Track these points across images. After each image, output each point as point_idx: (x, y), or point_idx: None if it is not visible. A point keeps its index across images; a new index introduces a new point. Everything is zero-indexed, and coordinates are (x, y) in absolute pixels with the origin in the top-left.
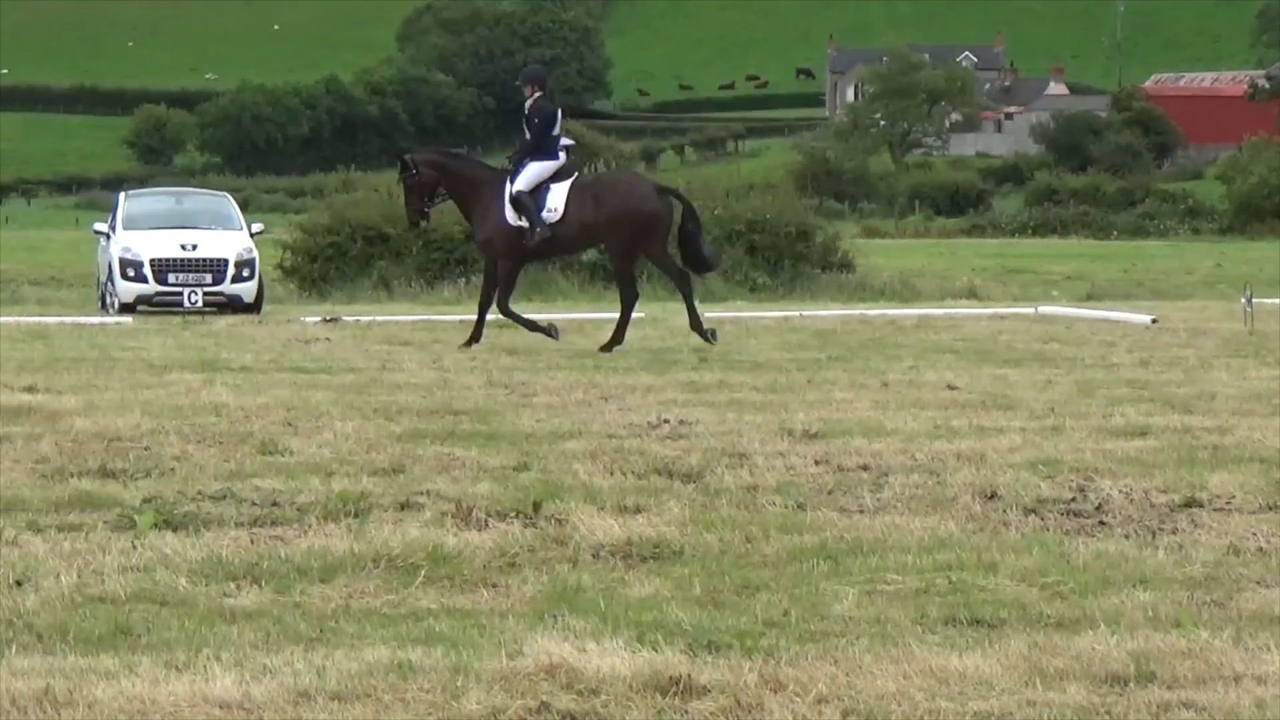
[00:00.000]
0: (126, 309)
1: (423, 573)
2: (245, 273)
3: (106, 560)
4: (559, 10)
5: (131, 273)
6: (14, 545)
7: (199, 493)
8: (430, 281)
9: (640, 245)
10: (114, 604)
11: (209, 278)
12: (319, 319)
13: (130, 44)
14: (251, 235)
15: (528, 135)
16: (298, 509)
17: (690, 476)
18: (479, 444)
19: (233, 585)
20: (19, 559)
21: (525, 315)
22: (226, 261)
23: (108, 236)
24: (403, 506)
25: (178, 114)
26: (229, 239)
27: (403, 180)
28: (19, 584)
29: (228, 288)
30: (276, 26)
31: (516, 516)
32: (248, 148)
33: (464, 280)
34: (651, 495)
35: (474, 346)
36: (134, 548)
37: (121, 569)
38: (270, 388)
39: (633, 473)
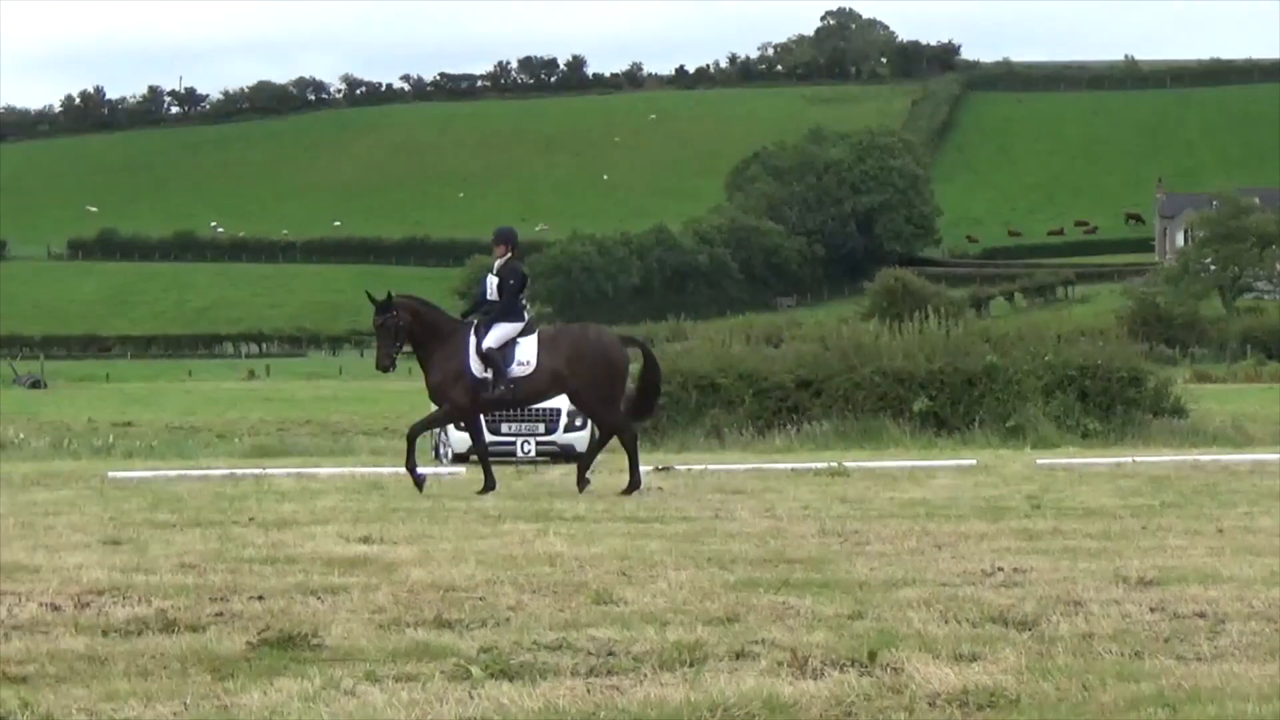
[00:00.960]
0: (460, 459)
1: None
2: (578, 422)
3: (444, 710)
4: (887, 157)
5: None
6: (352, 695)
7: (534, 642)
8: (762, 430)
9: (603, 392)
10: None
11: (542, 427)
12: (652, 468)
13: (461, 195)
14: None
15: (498, 296)
16: (633, 658)
17: (1025, 624)
18: (813, 592)
19: None
20: (357, 709)
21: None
22: (559, 411)
23: None
24: (738, 655)
25: None
26: None
27: (381, 322)
28: None
29: (560, 437)
30: (606, 177)
31: (852, 665)
32: (578, 297)
33: (794, 429)
34: (986, 643)
35: (490, 493)
36: (471, 697)
37: (459, 719)
38: (604, 537)
39: (967, 621)
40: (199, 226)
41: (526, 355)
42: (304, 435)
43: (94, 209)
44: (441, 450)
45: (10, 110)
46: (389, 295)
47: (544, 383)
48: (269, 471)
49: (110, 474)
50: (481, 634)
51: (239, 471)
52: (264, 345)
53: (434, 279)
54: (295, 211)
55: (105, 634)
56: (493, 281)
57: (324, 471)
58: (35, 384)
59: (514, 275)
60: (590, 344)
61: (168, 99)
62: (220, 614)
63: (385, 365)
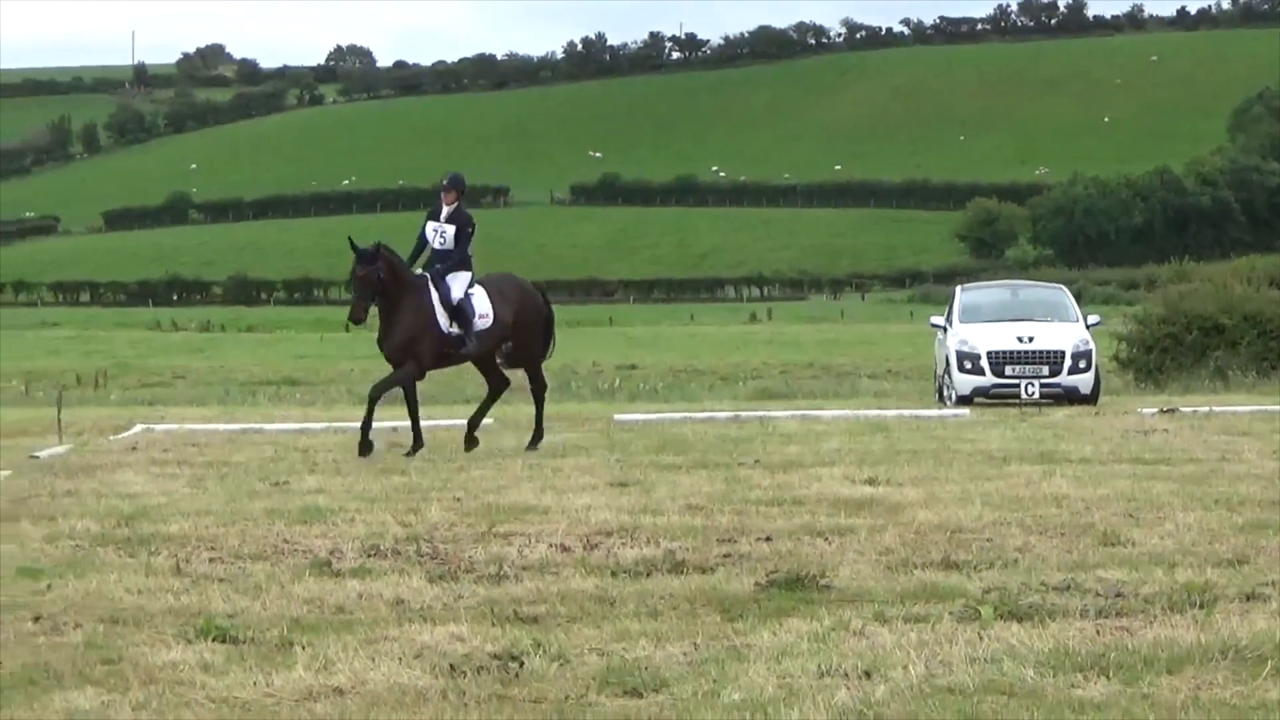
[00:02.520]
0: (963, 401)
1: (1270, 664)
2: (1082, 364)
3: (953, 651)
4: None
5: (969, 365)
6: (861, 636)
7: (1042, 584)
8: (1265, 372)
9: (537, 341)
10: (962, 695)
11: (1046, 370)
12: (1156, 410)
13: (961, 138)
14: (1088, 327)
15: (454, 245)
16: (1143, 600)
17: None
18: None
19: (1080, 676)
20: (867, 649)
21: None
22: (1063, 353)
23: (945, 330)
24: (1248, 597)
25: (1009, 207)
26: (1065, 331)
27: (365, 273)
28: (868, 674)
29: (1064, 379)
30: (1106, 119)
31: None
32: (1080, 240)
33: None
34: None
35: (419, 452)
36: (980, 639)
37: (969, 660)
38: (1110, 479)
39: None
40: (700, 171)
41: (484, 308)
42: (807, 378)
43: (598, 154)
44: (946, 392)
45: (513, 57)
46: (377, 246)
47: (497, 335)
48: (773, 414)
49: (616, 417)
50: (989, 575)
51: (743, 414)
52: (765, 289)
53: (934, 222)
54: (796, 155)
55: (614, 575)
56: (446, 230)
57: (828, 414)
58: None
59: (470, 223)
60: (528, 294)
61: (668, 44)
62: (728, 555)
63: (361, 318)
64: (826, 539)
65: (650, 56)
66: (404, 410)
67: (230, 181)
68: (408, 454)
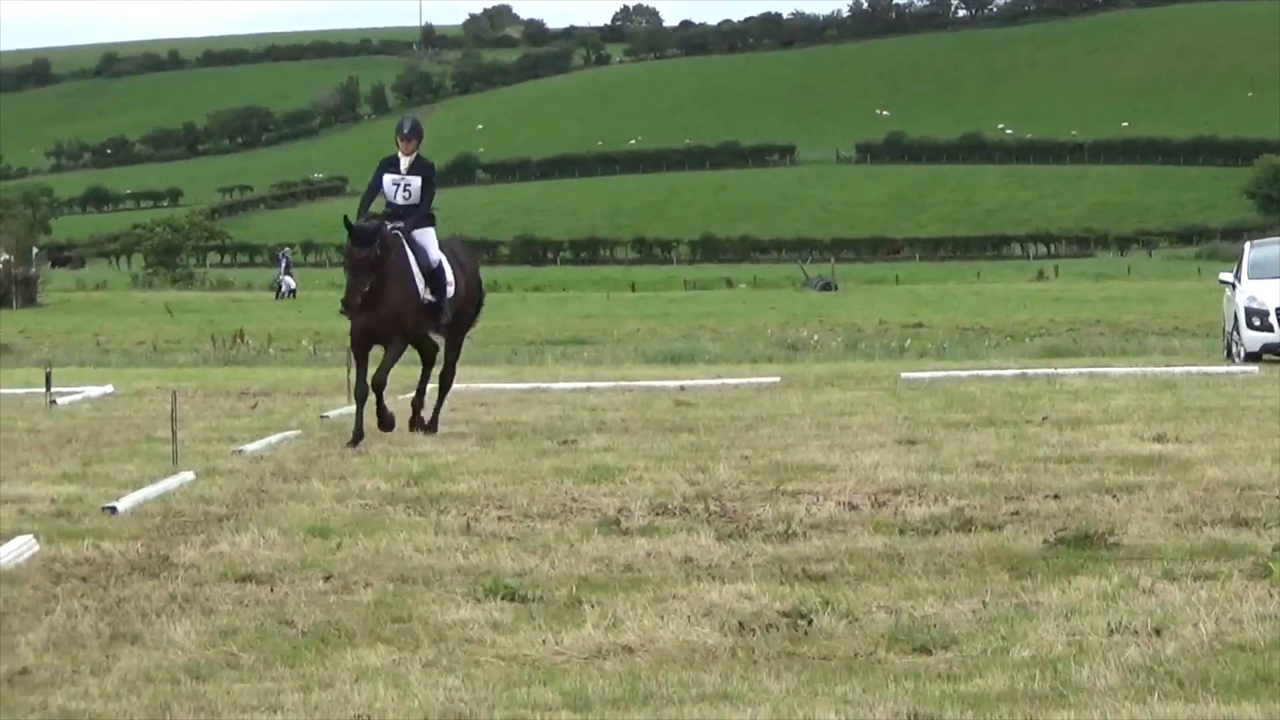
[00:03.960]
0: (1252, 358)
1: None
2: None
3: (1244, 609)
4: None
5: (1257, 321)
6: (1150, 593)
7: None
8: None
9: (474, 316)
10: (1253, 652)
11: None
12: None
13: (1249, 94)
14: None
15: (418, 197)
16: None
17: None
18: None
19: None
20: (1157, 607)
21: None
22: None
23: (1233, 286)
24: None
25: None
26: None
27: (365, 255)
28: (1158, 632)
29: None
30: None
31: None
32: None
33: None
34: None
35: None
36: (1270, 596)
37: (1259, 617)
38: None
39: None
40: (987, 129)
41: (450, 275)
42: (1094, 335)
43: (884, 113)
44: (1234, 349)
45: (799, 16)
46: (379, 225)
47: (459, 305)
48: (1060, 371)
49: (903, 375)
50: (1278, 533)
51: (1030, 371)
52: (1052, 246)
53: (1222, 179)
54: (1082, 112)
55: (903, 533)
56: (411, 182)
57: (1116, 371)
58: (826, 286)
59: (432, 173)
60: (475, 262)
61: (955, 2)
62: (1016, 513)
63: (359, 302)
64: (1115, 496)
65: (937, 14)
66: (690, 371)
67: (516, 142)
68: (350, 444)
